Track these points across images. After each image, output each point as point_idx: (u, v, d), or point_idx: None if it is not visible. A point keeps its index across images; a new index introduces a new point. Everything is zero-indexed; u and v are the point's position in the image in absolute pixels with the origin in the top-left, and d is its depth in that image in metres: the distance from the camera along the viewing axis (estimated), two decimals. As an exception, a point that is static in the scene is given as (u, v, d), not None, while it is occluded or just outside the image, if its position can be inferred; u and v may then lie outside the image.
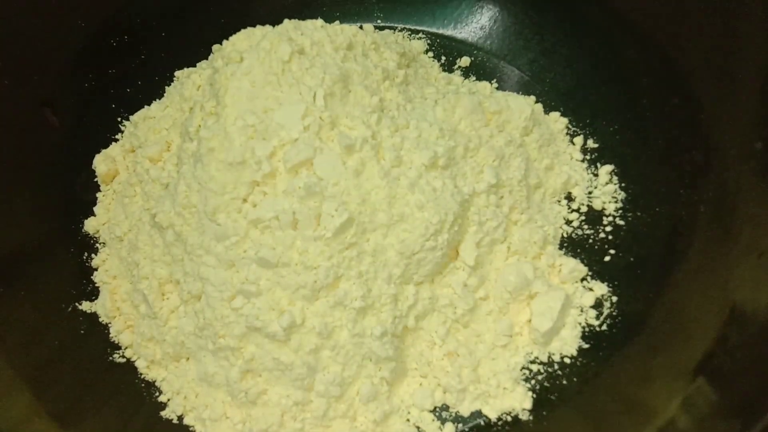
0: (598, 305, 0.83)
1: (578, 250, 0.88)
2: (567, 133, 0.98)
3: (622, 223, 0.89)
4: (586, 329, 0.82)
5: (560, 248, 0.88)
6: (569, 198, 0.93)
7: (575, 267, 0.85)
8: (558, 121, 0.99)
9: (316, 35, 0.82)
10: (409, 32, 1.11)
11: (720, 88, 0.79)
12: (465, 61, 1.07)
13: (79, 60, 0.96)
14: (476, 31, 1.09)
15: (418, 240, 0.75)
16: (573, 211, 0.91)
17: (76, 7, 0.95)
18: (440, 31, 1.11)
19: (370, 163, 0.76)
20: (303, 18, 0.87)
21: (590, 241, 0.89)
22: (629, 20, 0.91)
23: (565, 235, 0.90)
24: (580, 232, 0.90)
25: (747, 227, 0.73)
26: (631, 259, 0.85)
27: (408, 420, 0.77)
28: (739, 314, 0.69)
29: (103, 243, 0.91)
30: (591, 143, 0.96)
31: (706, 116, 0.80)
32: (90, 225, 0.92)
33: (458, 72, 1.06)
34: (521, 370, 0.80)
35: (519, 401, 0.77)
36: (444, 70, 1.05)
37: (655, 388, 0.72)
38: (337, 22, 0.89)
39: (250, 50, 0.81)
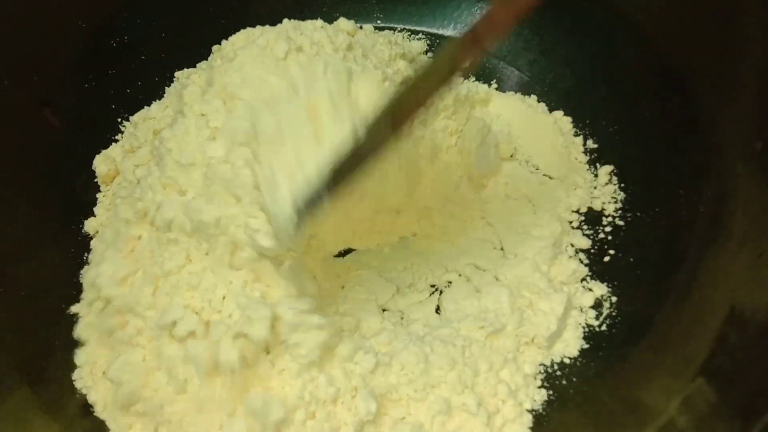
0: (597, 305, 0.83)
1: (578, 251, 0.88)
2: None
3: (621, 223, 0.89)
4: (586, 330, 0.82)
5: (560, 248, 0.88)
6: (569, 198, 0.93)
7: (575, 268, 0.84)
8: (561, 120, 0.99)
9: (315, 35, 0.82)
10: (409, 32, 1.11)
11: (720, 88, 0.79)
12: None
13: (79, 60, 0.96)
14: (476, 31, 1.09)
15: None
16: (573, 211, 0.91)
17: (76, 7, 0.95)
18: (440, 32, 1.10)
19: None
20: (303, 18, 0.87)
21: (590, 241, 0.89)
22: (629, 20, 0.91)
23: (565, 236, 0.89)
24: (580, 232, 0.90)
25: (747, 227, 0.73)
26: (631, 259, 0.85)
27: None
28: (739, 314, 0.69)
29: (103, 243, 0.91)
30: (591, 143, 0.96)
31: (706, 116, 0.80)
32: (90, 225, 0.91)
33: (458, 72, 1.05)
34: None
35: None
36: (444, 71, 1.05)
37: (655, 388, 0.72)
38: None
39: (244, 47, 0.81)
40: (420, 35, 1.10)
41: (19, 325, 0.79)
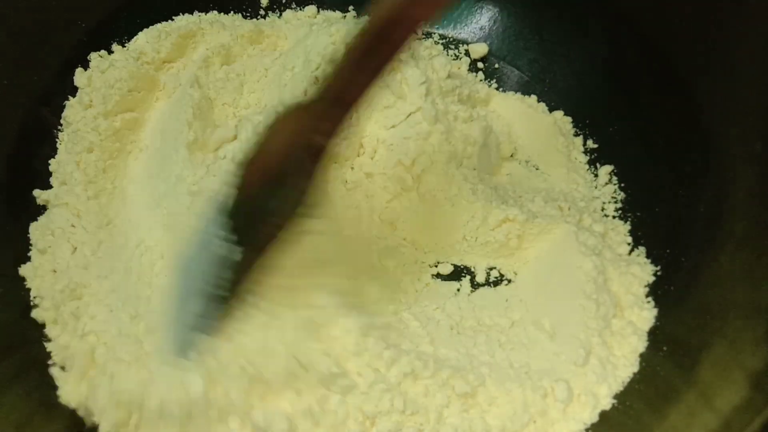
0: (598, 305, 0.83)
1: (578, 251, 0.88)
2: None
3: (621, 223, 0.88)
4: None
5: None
6: (569, 198, 0.93)
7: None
8: (561, 120, 0.99)
9: None
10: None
11: (720, 88, 0.79)
12: (464, 61, 1.07)
13: (78, 60, 0.95)
14: (476, 31, 1.09)
15: None
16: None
17: (75, 6, 0.95)
18: (440, 32, 1.10)
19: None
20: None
21: (590, 241, 0.89)
22: (629, 20, 0.91)
23: (565, 236, 0.89)
24: (580, 232, 0.90)
25: (747, 227, 0.73)
26: (632, 259, 0.85)
27: None
28: (739, 315, 0.69)
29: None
30: (591, 143, 0.96)
31: (706, 116, 0.80)
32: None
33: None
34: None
35: None
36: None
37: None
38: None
39: None
40: (419, 35, 1.10)
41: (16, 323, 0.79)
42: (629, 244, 0.85)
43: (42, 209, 0.87)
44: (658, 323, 0.77)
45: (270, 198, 0.61)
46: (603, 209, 0.90)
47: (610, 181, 0.92)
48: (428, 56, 1.01)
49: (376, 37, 0.53)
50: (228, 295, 0.66)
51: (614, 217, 0.89)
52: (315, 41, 0.89)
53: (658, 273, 0.81)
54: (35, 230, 0.84)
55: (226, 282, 0.65)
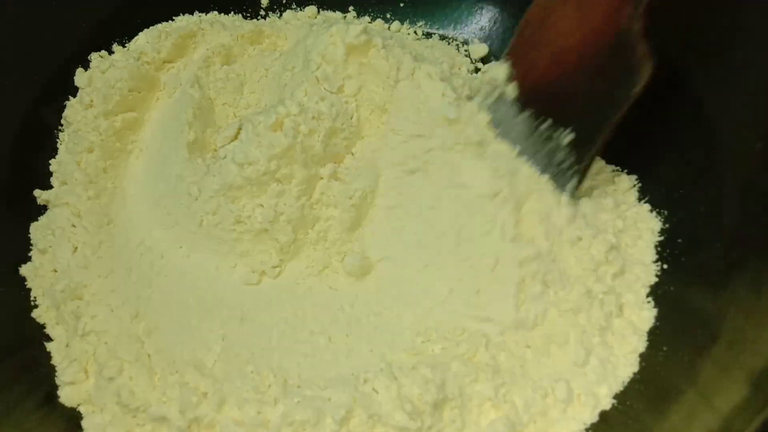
0: (598, 305, 0.83)
1: (579, 251, 0.88)
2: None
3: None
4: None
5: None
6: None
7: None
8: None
9: None
10: (408, 33, 1.11)
11: (720, 88, 0.79)
12: (465, 62, 1.07)
13: (78, 60, 0.96)
14: (476, 31, 1.09)
15: None
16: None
17: (75, 6, 0.95)
18: (440, 32, 1.10)
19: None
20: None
21: (590, 241, 0.89)
22: (629, 20, 0.91)
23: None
24: (580, 232, 0.90)
25: (747, 227, 0.73)
26: (632, 259, 0.85)
27: None
28: (739, 317, 0.70)
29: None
30: (591, 143, 0.96)
31: (706, 116, 0.80)
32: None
33: (458, 73, 1.06)
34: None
35: None
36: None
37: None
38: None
39: None
40: (418, 34, 1.10)
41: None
42: (629, 244, 0.85)
43: (42, 209, 0.87)
44: (658, 323, 0.77)
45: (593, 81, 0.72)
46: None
47: (611, 181, 0.92)
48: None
49: None
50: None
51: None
52: (315, 41, 0.89)
53: (658, 273, 0.81)
54: (36, 230, 0.84)
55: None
